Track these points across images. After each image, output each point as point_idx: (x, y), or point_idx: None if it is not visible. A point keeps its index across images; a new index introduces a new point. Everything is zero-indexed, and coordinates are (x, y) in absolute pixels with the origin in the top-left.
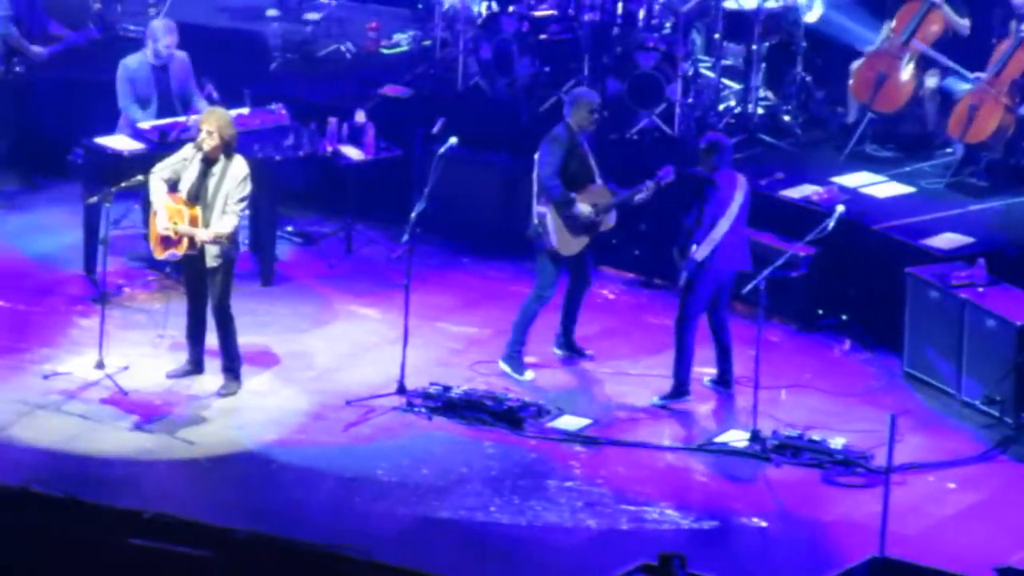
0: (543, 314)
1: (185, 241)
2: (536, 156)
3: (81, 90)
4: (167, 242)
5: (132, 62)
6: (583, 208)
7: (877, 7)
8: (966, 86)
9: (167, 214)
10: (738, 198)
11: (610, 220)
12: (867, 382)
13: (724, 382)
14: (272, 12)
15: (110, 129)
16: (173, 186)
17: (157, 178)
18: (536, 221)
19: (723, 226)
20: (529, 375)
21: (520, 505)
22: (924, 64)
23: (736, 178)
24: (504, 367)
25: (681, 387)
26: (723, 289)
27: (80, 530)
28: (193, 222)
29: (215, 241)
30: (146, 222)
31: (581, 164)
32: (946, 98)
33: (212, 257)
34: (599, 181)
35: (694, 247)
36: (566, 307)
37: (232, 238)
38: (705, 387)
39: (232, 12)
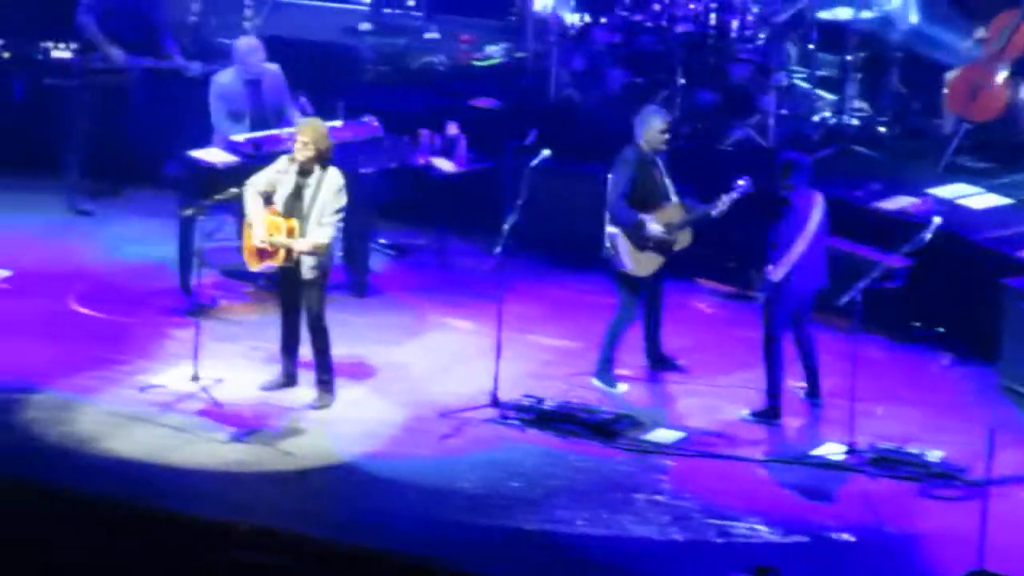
0: (634, 327)
1: (281, 253)
2: (609, 176)
3: (174, 100)
4: (263, 254)
5: (224, 78)
6: (653, 228)
7: (971, 17)
8: None
9: (264, 226)
10: (815, 217)
11: (686, 238)
12: (964, 395)
13: (813, 395)
14: (365, 26)
15: (203, 139)
16: (268, 199)
17: (252, 191)
18: (608, 243)
19: (800, 246)
20: (622, 388)
21: (609, 519)
22: (1019, 73)
23: (813, 197)
24: (596, 383)
25: (773, 405)
26: (803, 306)
27: (179, 542)
28: (290, 234)
29: (313, 252)
30: (240, 234)
31: (653, 184)
32: None
33: (308, 268)
34: (674, 199)
35: (770, 267)
36: (646, 322)
37: (328, 250)
38: (801, 400)
39: (326, 26)
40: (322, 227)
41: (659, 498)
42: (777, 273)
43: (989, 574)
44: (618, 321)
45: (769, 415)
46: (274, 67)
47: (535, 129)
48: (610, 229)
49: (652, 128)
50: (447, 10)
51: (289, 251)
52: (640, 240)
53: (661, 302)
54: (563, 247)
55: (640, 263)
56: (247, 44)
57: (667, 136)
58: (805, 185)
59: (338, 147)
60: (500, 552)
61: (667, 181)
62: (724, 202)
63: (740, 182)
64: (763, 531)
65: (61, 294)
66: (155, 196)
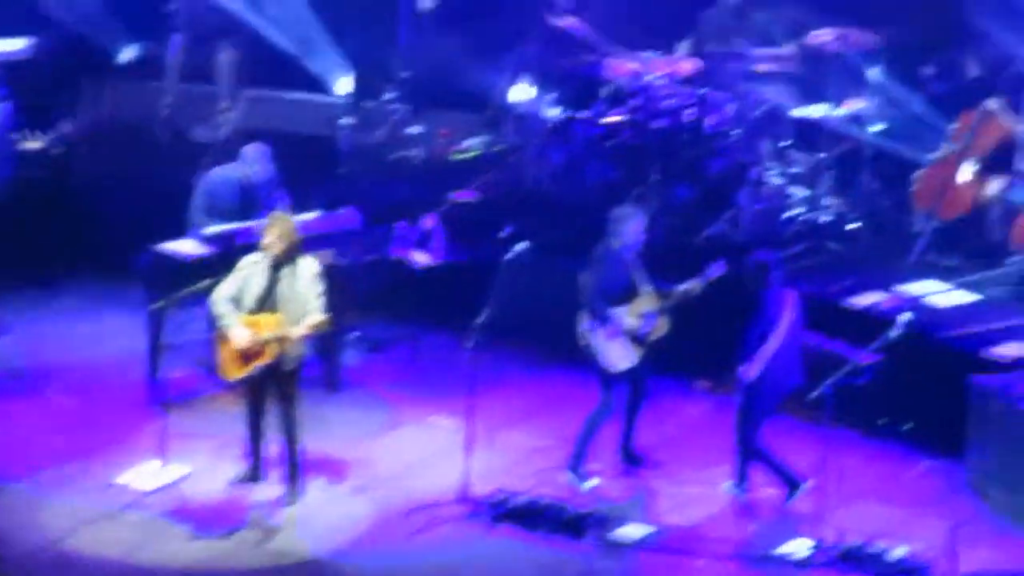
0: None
1: (269, 350)
2: (585, 273)
3: (147, 193)
4: (247, 358)
5: (218, 176)
6: (628, 322)
7: (940, 116)
8: None
9: (248, 330)
10: (788, 316)
11: (663, 327)
12: (932, 491)
13: (741, 481)
14: (346, 120)
15: (176, 234)
16: (237, 303)
17: (223, 299)
18: (583, 340)
19: (772, 345)
20: (592, 483)
21: None
22: (986, 171)
23: (786, 296)
24: (567, 478)
25: (792, 485)
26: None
27: None
28: (278, 326)
29: (310, 333)
30: (212, 332)
31: (627, 278)
32: (1010, 207)
33: (290, 361)
34: (647, 289)
35: (743, 367)
36: (626, 417)
37: (302, 343)
38: (733, 493)
39: (304, 118)
40: (310, 313)
41: None
42: (750, 372)
43: None
44: (595, 415)
45: (793, 492)
46: (271, 170)
47: (512, 223)
48: (584, 325)
49: (628, 228)
50: (426, 103)
51: (279, 346)
52: (616, 335)
53: (643, 398)
54: (539, 341)
55: (617, 357)
56: (257, 150)
57: (643, 235)
58: (778, 284)
59: (314, 239)
60: None
61: (640, 274)
62: (696, 284)
63: (712, 266)
64: None
65: (31, 387)
66: (129, 288)
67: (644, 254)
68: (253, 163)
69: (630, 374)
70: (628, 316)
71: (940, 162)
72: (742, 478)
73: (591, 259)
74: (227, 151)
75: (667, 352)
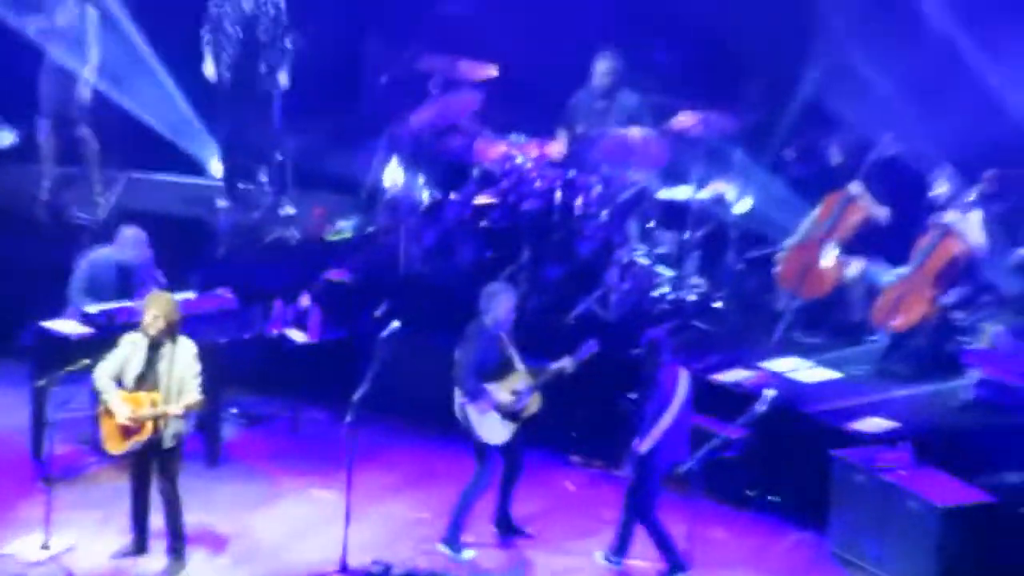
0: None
1: (147, 427)
2: (456, 351)
3: (29, 272)
4: (128, 433)
5: (98, 257)
6: (501, 398)
7: (802, 199)
8: (889, 276)
9: (128, 406)
10: (680, 393)
11: (536, 403)
12: (798, 562)
13: (619, 552)
14: (222, 203)
15: (56, 312)
16: (119, 381)
17: (104, 375)
18: (459, 414)
19: (666, 420)
20: (468, 554)
21: None
22: (847, 252)
23: (678, 373)
24: (443, 549)
25: (675, 566)
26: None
27: None
28: (154, 405)
29: (187, 412)
30: (95, 410)
31: (500, 355)
32: (870, 287)
33: (169, 438)
34: (520, 367)
35: (636, 441)
36: (501, 489)
37: (185, 419)
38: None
39: (182, 200)
40: (186, 392)
41: None
42: (644, 446)
43: None
44: (471, 488)
45: (676, 572)
46: (148, 253)
47: (386, 301)
48: (459, 400)
49: (499, 305)
50: (299, 185)
51: (155, 424)
52: (488, 409)
53: (518, 470)
54: (414, 415)
55: (491, 431)
56: (134, 235)
57: (513, 312)
58: (671, 360)
59: (192, 318)
60: None
61: (512, 351)
62: (569, 362)
63: (585, 345)
64: None
65: None
66: (10, 365)
67: (516, 332)
68: (131, 247)
69: (505, 448)
70: (501, 392)
71: (803, 243)
72: (621, 549)
73: (464, 336)
74: (106, 231)
75: (542, 427)
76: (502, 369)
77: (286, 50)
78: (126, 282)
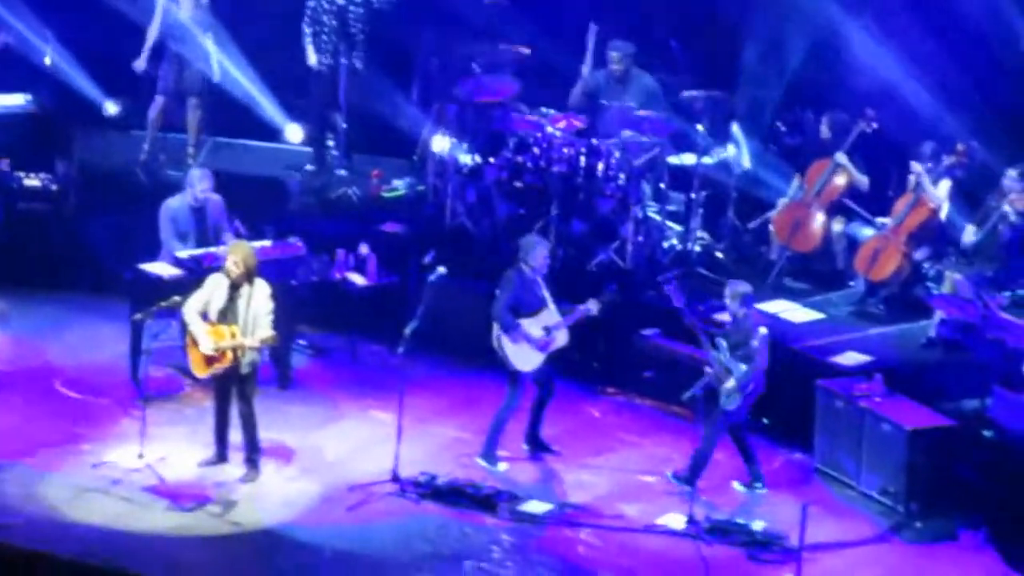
0: (517, 417)
1: (229, 355)
2: (496, 291)
3: (130, 224)
4: (211, 361)
5: (174, 203)
6: (532, 332)
7: (793, 165)
8: (869, 232)
9: (210, 337)
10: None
11: (563, 338)
12: (786, 476)
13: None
14: (309, 167)
15: (151, 256)
16: (204, 315)
17: (192, 310)
18: (496, 345)
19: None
20: (502, 467)
21: (520, 572)
22: (832, 212)
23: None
24: (481, 463)
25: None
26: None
27: None
28: (234, 337)
29: (261, 346)
30: (184, 346)
31: (533, 297)
32: (851, 241)
33: (246, 365)
34: (551, 307)
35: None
36: (532, 412)
37: (262, 348)
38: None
39: (259, 161)
40: (261, 327)
41: (536, 558)
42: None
43: None
44: (503, 409)
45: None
46: (217, 197)
47: (433, 250)
48: (496, 333)
49: (535, 253)
50: (360, 150)
51: (235, 353)
52: (520, 341)
53: (549, 397)
54: (457, 350)
55: (523, 360)
56: (198, 174)
57: (547, 260)
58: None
59: (267, 263)
60: None
61: (545, 293)
62: (593, 304)
63: (607, 289)
64: None
65: (32, 384)
66: (115, 301)
67: (548, 278)
68: (198, 182)
69: (536, 375)
70: (534, 328)
71: (794, 204)
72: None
73: (502, 279)
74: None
75: (569, 360)
76: (535, 308)
77: (367, 37)
78: (203, 224)
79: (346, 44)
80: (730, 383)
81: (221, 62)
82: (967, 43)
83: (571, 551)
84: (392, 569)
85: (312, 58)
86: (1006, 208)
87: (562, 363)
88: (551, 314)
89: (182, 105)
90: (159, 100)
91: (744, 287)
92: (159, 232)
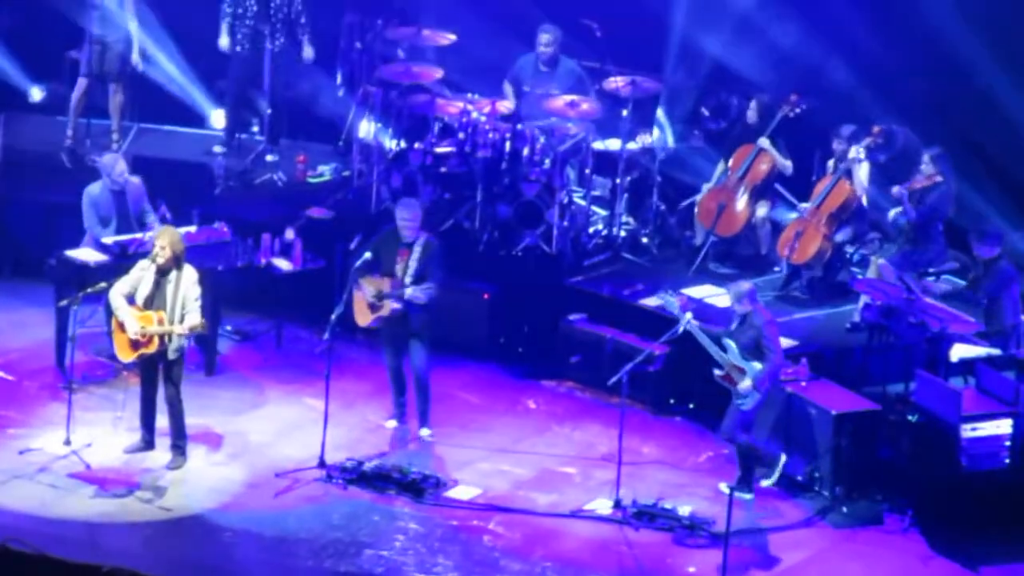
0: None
1: (155, 340)
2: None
3: (52, 209)
4: (136, 346)
5: (94, 189)
6: (366, 287)
7: (717, 150)
8: (792, 215)
9: (137, 321)
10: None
11: (387, 308)
12: (712, 459)
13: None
14: (218, 148)
15: (76, 242)
16: (130, 299)
17: (118, 294)
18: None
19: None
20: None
21: (419, 561)
22: (756, 196)
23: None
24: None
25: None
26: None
27: None
28: (160, 323)
29: (190, 333)
30: (110, 331)
31: (390, 257)
32: (775, 225)
33: (173, 351)
34: (397, 277)
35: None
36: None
37: (187, 334)
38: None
39: (184, 146)
40: (190, 313)
41: (460, 546)
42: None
43: None
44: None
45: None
46: (137, 180)
47: (359, 235)
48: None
49: (397, 215)
50: (285, 135)
51: (162, 338)
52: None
53: (403, 371)
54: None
55: (359, 314)
56: (111, 159)
57: (407, 223)
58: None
59: (193, 248)
60: None
61: (412, 264)
62: (415, 292)
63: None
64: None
65: None
66: (39, 287)
67: (467, 260)
68: (111, 166)
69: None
70: (369, 286)
71: (719, 188)
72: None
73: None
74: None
75: (494, 344)
76: (385, 268)
77: (291, 22)
78: (124, 207)
79: (269, 28)
80: (745, 383)
81: (145, 47)
82: (895, 25)
83: (498, 536)
84: (317, 554)
85: (224, 40)
86: (906, 190)
87: (490, 349)
88: (388, 282)
89: (106, 89)
90: (81, 83)
91: (746, 284)
92: (83, 218)
